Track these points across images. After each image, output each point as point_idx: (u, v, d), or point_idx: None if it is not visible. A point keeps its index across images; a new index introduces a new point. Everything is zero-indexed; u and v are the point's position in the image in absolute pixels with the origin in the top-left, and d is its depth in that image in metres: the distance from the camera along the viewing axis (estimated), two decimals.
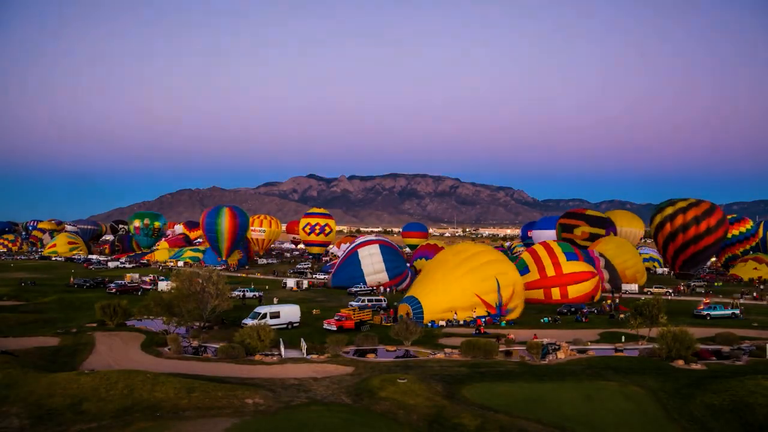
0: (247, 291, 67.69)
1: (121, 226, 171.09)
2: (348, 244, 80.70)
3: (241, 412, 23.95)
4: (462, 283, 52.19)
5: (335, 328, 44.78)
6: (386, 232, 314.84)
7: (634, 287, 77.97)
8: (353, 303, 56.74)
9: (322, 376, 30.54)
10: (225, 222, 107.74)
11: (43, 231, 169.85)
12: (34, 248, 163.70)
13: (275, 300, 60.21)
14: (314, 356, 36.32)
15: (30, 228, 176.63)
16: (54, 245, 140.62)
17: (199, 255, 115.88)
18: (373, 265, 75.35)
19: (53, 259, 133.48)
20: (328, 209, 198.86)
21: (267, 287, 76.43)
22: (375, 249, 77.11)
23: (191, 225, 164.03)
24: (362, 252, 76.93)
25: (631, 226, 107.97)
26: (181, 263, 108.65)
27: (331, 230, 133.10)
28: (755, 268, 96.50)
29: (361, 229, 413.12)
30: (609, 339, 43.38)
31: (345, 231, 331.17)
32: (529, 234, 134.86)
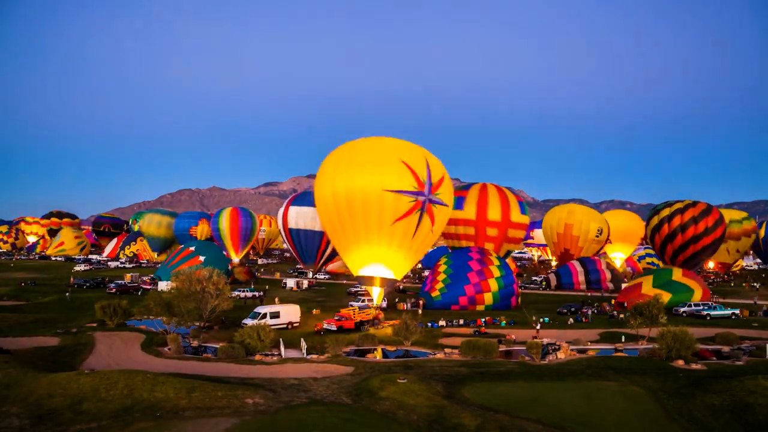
0: (246, 291, 67.70)
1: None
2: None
3: (241, 412, 23.92)
4: (387, 152, 47.34)
5: (335, 328, 44.80)
6: None
7: None
8: (353, 303, 56.71)
9: (322, 376, 30.52)
10: (226, 222, 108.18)
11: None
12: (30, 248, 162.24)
13: (276, 300, 60.20)
14: (314, 356, 36.32)
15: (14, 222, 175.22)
16: (62, 243, 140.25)
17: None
18: None
19: (53, 258, 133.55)
20: None
21: (267, 287, 76.43)
22: None
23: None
24: None
25: (630, 226, 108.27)
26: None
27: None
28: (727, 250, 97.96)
29: None
30: (609, 339, 43.38)
31: None
32: (531, 234, 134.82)
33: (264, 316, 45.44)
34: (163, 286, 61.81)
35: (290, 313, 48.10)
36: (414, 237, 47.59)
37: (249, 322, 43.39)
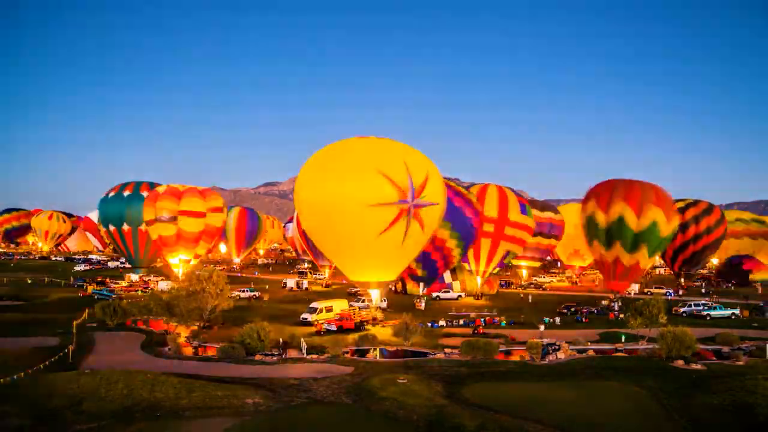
0: (247, 291, 67.74)
1: None
2: None
3: (241, 412, 23.95)
4: (363, 161, 45.10)
5: (335, 328, 44.85)
6: None
7: (635, 287, 78.05)
8: (353, 303, 56.74)
9: (322, 376, 30.53)
10: (233, 222, 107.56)
11: None
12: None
13: (265, 297, 60.13)
14: (314, 356, 36.32)
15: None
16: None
17: None
18: None
19: (53, 258, 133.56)
20: None
21: (267, 287, 76.45)
22: None
23: None
24: None
25: None
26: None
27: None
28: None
29: None
30: (609, 339, 43.37)
31: None
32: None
33: (321, 311, 48.93)
34: (164, 286, 61.96)
35: (340, 307, 51.40)
36: (404, 243, 47.05)
37: (307, 316, 47.95)
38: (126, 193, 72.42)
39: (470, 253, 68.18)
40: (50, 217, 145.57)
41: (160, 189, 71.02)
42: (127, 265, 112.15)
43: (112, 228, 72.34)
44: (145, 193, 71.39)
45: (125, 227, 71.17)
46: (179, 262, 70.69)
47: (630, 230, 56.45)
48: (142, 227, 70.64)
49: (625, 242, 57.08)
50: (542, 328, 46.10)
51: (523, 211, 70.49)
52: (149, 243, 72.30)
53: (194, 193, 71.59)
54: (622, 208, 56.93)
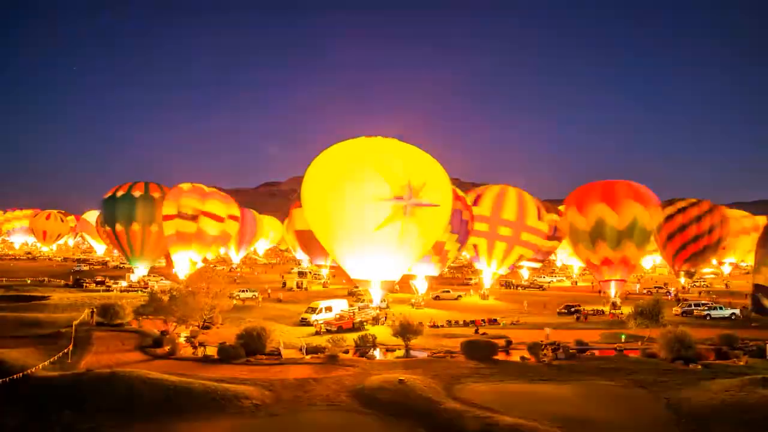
0: (247, 291, 67.68)
1: None
2: None
3: (241, 412, 23.96)
4: (361, 158, 45.44)
5: (335, 329, 44.84)
6: None
7: (635, 287, 78.18)
8: (353, 303, 56.68)
9: (322, 376, 30.54)
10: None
11: None
12: None
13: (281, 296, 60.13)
14: (314, 356, 36.27)
15: None
16: None
17: None
18: None
19: (52, 258, 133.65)
20: None
21: (267, 287, 76.45)
22: None
23: None
24: None
25: None
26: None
27: None
28: None
29: None
30: (609, 339, 43.38)
31: None
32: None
33: (321, 310, 49.30)
34: (165, 284, 62.00)
35: (340, 307, 52.00)
36: (401, 243, 46.86)
37: (307, 316, 48.37)
38: (136, 193, 71.09)
39: (484, 254, 67.63)
40: (48, 217, 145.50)
41: (185, 186, 70.32)
42: (127, 264, 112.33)
43: (118, 228, 71.05)
44: (156, 194, 70.14)
45: (135, 227, 70.12)
46: (189, 261, 69.71)
47: (612, 228, 56.52)
48: (152, 227, 69.50)
49: (609, 241, 57.10)
50: (548, 330, 45.67)
51: (540, 217, 69.30)
52: (157, 243, 71.54)
53: (218, 197, 71.62)
54: (601, 210, 57.11)
